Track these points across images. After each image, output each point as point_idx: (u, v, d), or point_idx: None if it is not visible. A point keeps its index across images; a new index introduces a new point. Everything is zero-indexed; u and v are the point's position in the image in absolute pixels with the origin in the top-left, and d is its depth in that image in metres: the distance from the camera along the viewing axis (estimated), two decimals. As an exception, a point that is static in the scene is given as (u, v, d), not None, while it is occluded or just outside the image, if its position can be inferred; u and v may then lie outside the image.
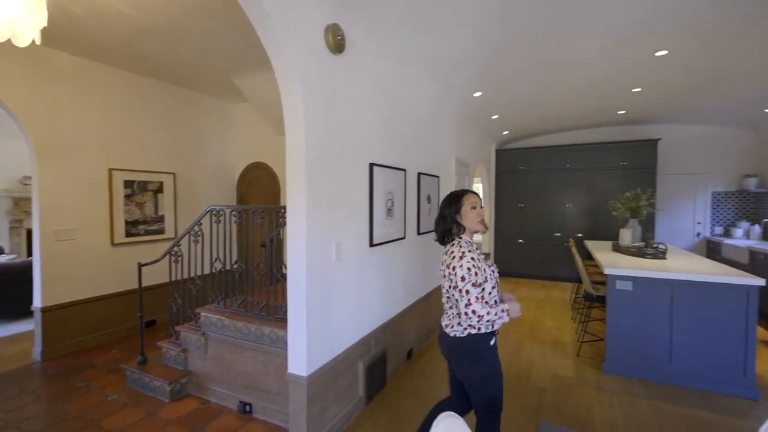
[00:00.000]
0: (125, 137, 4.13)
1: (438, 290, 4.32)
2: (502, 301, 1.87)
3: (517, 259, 7.16)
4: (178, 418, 2.62)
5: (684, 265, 3.30)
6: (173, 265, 3.08)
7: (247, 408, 2.66)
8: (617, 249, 4.31)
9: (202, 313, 2.90)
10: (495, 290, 1.78)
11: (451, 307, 1.81)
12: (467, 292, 1.65)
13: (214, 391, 2.84)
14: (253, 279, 2.86)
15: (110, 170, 3.99)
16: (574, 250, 4.36)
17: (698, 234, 6.36)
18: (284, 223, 2.50)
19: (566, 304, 5.39)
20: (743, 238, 5.64)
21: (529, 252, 7.07)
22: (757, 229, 5.55)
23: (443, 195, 4.51)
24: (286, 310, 2.32)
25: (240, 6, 1.91)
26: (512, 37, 3.06)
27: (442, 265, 1.81)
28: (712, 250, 5.93)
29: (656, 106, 5.37)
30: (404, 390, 2.96)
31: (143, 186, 4.30)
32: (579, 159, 6.63)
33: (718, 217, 6.25)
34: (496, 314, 1.67)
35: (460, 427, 1.05)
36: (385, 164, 2.99)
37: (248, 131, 5.34)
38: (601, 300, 3.54)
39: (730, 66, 3.73)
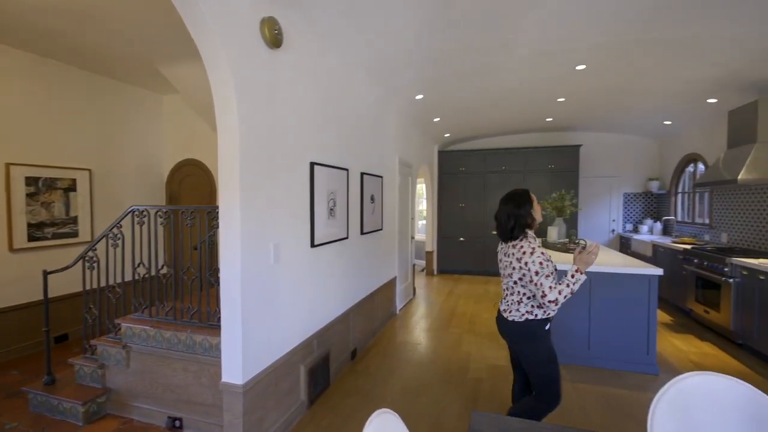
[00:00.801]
0: (27, 128, 3.62)
1: (382, 289, 4.36)
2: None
3: (459, 256, 7.47)
4: (94, 442, 2.35)
5: (600, 259, 3.67)
6: (88, 271, 2.76)
7: (177, 423, 2.47)
8: (545, 245, 4.67)
9: (123, 324, 2.63)
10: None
11: (510, 294, 1.98)
12: (541, 284, 1.79)
13: (138, 408, 2.59)
14: (183, 284, 2.66)
15: (7, 165, 3.47)
16: (508, 246, 4.64)
17: (613, 230, 7.13)
18: (218, 225, 2.35)
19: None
20: (648, 233, 6.42)
21: (469, 249, 7.42)
22: (658, 225, 6.35)
23: (387, 195, 4.56)
24: (219, 317, 2.19)
25: (163, -12, 1.76)
26: (451, 43, 3.18)
27: (507, 257, 1.95)
28: (624, 245, 6.67)
29: (577, 115, 5.91)
30: (348, 390, 2.94)
31: (50, 183, 3.80)
32: (514, 161, 7.09)
33: (628, 215, 7.05)
34: (567, 287, 1.78)
35: (395, 424, 1.05)
36: (326, 163, 2.94)
37: (180, 125, 4.95)
38: None
39: (635, 82, 4.22)
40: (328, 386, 2.98)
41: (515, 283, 1.93)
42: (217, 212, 2.17)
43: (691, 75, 3.84)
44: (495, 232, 2.12)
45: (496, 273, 7.21)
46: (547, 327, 1.96)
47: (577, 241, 4.36)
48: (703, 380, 1.25)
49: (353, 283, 3.56)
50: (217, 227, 2.37)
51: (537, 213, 2.00)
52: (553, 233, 4.79)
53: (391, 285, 4.73)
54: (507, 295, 2.02)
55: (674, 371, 3.25)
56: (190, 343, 2.45)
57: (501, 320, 2.05)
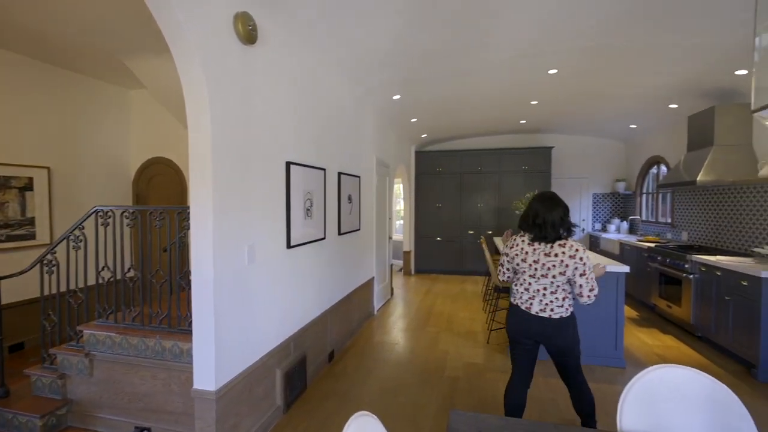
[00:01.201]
0: (-22, 122, 3.37)
1: (359, 290, 4.34)
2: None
3: (436, 256, 7.54)
4: (54, 457, 2.21)
5: (571, 257, 3.79)
6: (46, 276, 2.60)
7: (145, 434, 2.36)
8: (519, 244, 4.78)
9: (85, 331, 2.49)
10: None
11: (552, 293, 2.04)
12: (592, 278, 2.00)
13: (102, 419, 2.46)
14: (152, 288, 2.55)
15: (-45, 162, 3.22)
16: (484, 246, 4.73)
17: (583, 230, 7.39)
18: (189, 226, 2.27)
19: (478, 296, 5.83)
20: (615, 232, 6.69)
21: (446, 249, 7.50)
22: (625, 225, 6.63)
23: (364, 195, 4.55)
24: (191, 321, 2.11)
25: (128, -22, 1.67)
26: (429, 44, 3.20)
27: (554, 256, 2.01)
28: (593, 243, 6.93)
29: (550, 117, 6.09)
30: (325, 393, 2.90)
31: (4, 182, 3.55)
32: (489, 162, 7.23)
33: (597, 215, 7.33)
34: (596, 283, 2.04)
35: (373, 426, 1.04)
36: (303, 163, 2.90)
37: (148, 122, 4.75)
38: (507, 291, 3.88)
39: (603, 87, 4.39)
40: (305, 389, 2.93)
41: (566, 280, 2.03)
42: (189, 213, 2.09)
43: (654, 81, 4.03)
44: (526, 235, 2.12)
45: (472, 272, 7.33)
46: None
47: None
48: (667, 372, 1.31)
49: (330, 285, 3.52)
50: (188, 228, 2.28)
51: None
52: (527, 233, 4.90)
53: (368, 285, 4.71)
54: (546, 294, 2.05)
55: (640, 364, 3.39)
56: (159, 349, 2.35)
57: (540, 320, 2.06)
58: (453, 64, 3.69)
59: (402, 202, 7.82)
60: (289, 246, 2.69)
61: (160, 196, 4.76)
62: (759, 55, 0.91)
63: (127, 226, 2.52)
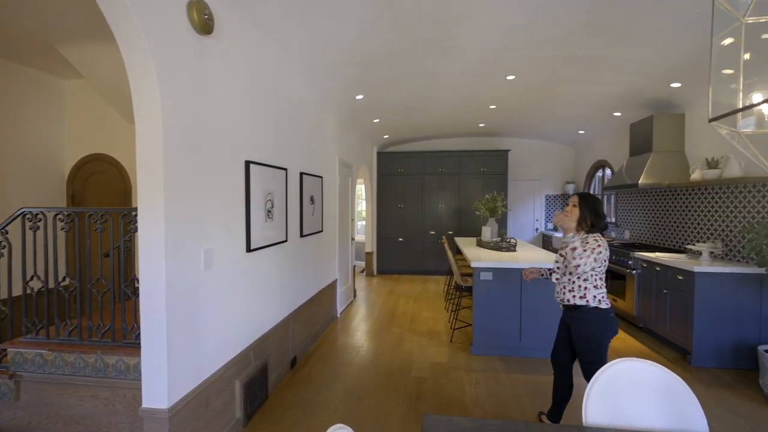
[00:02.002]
0: None
1: (322, 293, 4.24)
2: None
3: (398, 256, 7.58)
4: (-30, 496, 1.92)
5: (528, 256, 3.95)
6: (-40, 288, 2.26)
7: (84, 461, 2.12)
8: (480, 244, 4.92)
9: (10, 349, 2.20)
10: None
11: (586, 279, 2.16)
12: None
13: (31, 448, 2.18)
14: (92, 298, 2.30)
15: None
16: (446, 246, 4.81)
17: (536, 229, 7.77)
18: (135, 229, 2.08)
19: (440, 296, 5.92)
20: (565, 231, 7.08)
21: (408, 249, 7.56)
22: (574, 224, 7.04)
23: (327, 196, 4.45)
24: (138, 334, 1.92)
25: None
26: (394, 44, 3.18)
27: (588, 251, 2.05)
28: (546, 242, 7.30)
29: (507, 121, 6.33)
30: (289, 401, 2.78)
31: None
32: (450, 164, 7.38)
33: (549, 215, 7.73)
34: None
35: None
36: (263, 162, 2.76)
37: (85, 115, 4.31)
38: (469, 290, 3.97)
39: (557, 95, 4.63)
40: (267, 399, 2.80)
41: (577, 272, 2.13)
42: (135, 215, 1.90)
43: (603, 90, 4.30)
44: (599, 234, 2.21)
45: (433, 272, 7.45)
46: None
47: (508, 240, 4.65)
48: (626, 366, 1.37)
49: (293, 288, 3.40)
50: (135, 231, 2.09)
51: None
52: (487, 233, 5.06)
53: (331, 288, 4.62)
54: (564, 279, 2.27)
55: (591, 356, 3.60)
56: (100, 366, 2.12)
57: (560, 307, 2.40)
58: (417, 66, 3.71)
59: (363, 203, 7.78)
60: (249, 249, 2.55)
61: (99, 196, 4.34)
62: (713, 73, 0.97)
63: (62, 230, 2.26)
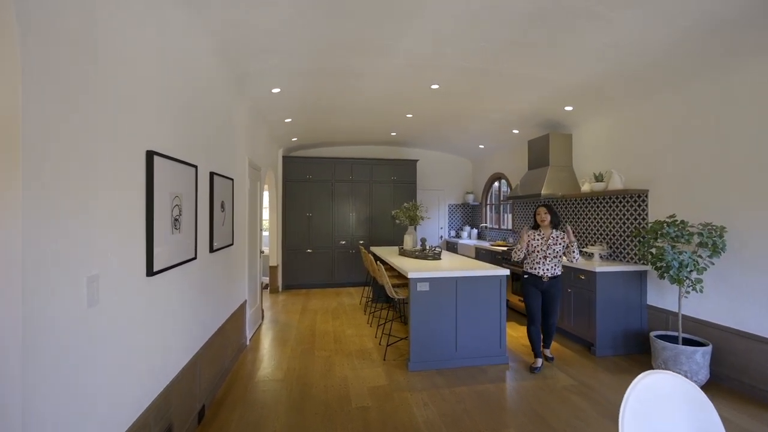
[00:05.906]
0: None
1: (232, 319, 3.54)
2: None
3: (307, 269, 7.02)
4: None
5: (454, 264, 3.98)
6: None
7: None
8: (403, 253, 4.81)
9: None
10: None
11: (552, 259, 3.47)
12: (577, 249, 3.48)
13: None
14: None
15: None
16: (371, 258, 4.55)
17: (441, 236, 8.14)
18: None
19: (359, 309, 5.61)
20: (468, 238, 7.59)
21: (317, 261, 7.07)
22: (475, 231, 7.60)
23: (238, 201, 3.77)
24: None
25: None
26: (325, 36, 2.84)
27: (559, 239, 3.47)
28: (450, 248, 7.68)
29: (418, 132, 6.48)
30: (203, 471, 2.11)
31: None
32: (361, 172, 7.20)
33: (452, 223, 8.20)
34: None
35: None
36: (170, 155, 2.09)
37: None
38: (389, 301, 3.78)
39: (470, 109, 4.87)
40: (172, 473, 2.08)
41: (561, 252, 3.47)
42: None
43: (510, 107, 4.67)
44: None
45: (346, 284, 7.11)
46: None
47: (431, 248, 4.65)
48: (650, 381, 1.31)
49: (201, 320, 2.69)
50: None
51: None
52: (409, 241, 4.99)
53: (241, 311, 3.90)
54: (549, 261, 3.46)
55: (517, 357, 3.77)
56: None
57: (541, 279, 3.49)
58: (344, 62, 3.42)
59: (267, 211, 7.01)
60: (150, 272, 1.86)
61: None
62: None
63: None
